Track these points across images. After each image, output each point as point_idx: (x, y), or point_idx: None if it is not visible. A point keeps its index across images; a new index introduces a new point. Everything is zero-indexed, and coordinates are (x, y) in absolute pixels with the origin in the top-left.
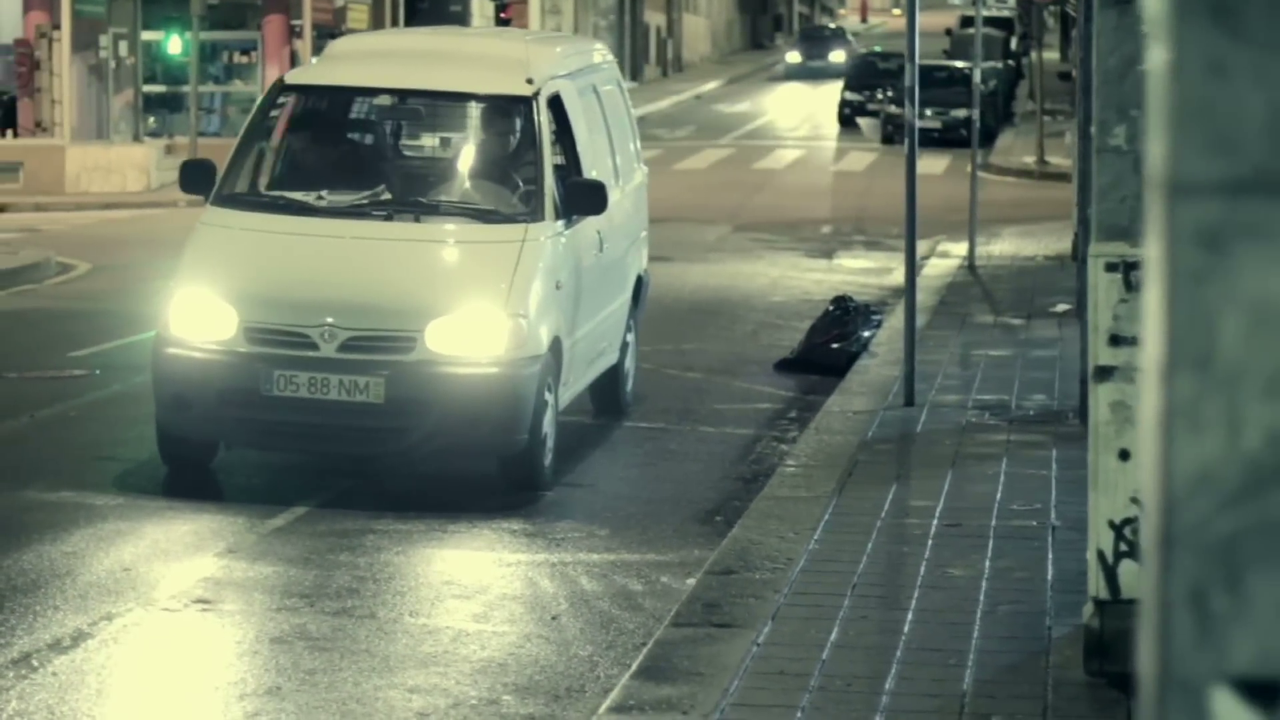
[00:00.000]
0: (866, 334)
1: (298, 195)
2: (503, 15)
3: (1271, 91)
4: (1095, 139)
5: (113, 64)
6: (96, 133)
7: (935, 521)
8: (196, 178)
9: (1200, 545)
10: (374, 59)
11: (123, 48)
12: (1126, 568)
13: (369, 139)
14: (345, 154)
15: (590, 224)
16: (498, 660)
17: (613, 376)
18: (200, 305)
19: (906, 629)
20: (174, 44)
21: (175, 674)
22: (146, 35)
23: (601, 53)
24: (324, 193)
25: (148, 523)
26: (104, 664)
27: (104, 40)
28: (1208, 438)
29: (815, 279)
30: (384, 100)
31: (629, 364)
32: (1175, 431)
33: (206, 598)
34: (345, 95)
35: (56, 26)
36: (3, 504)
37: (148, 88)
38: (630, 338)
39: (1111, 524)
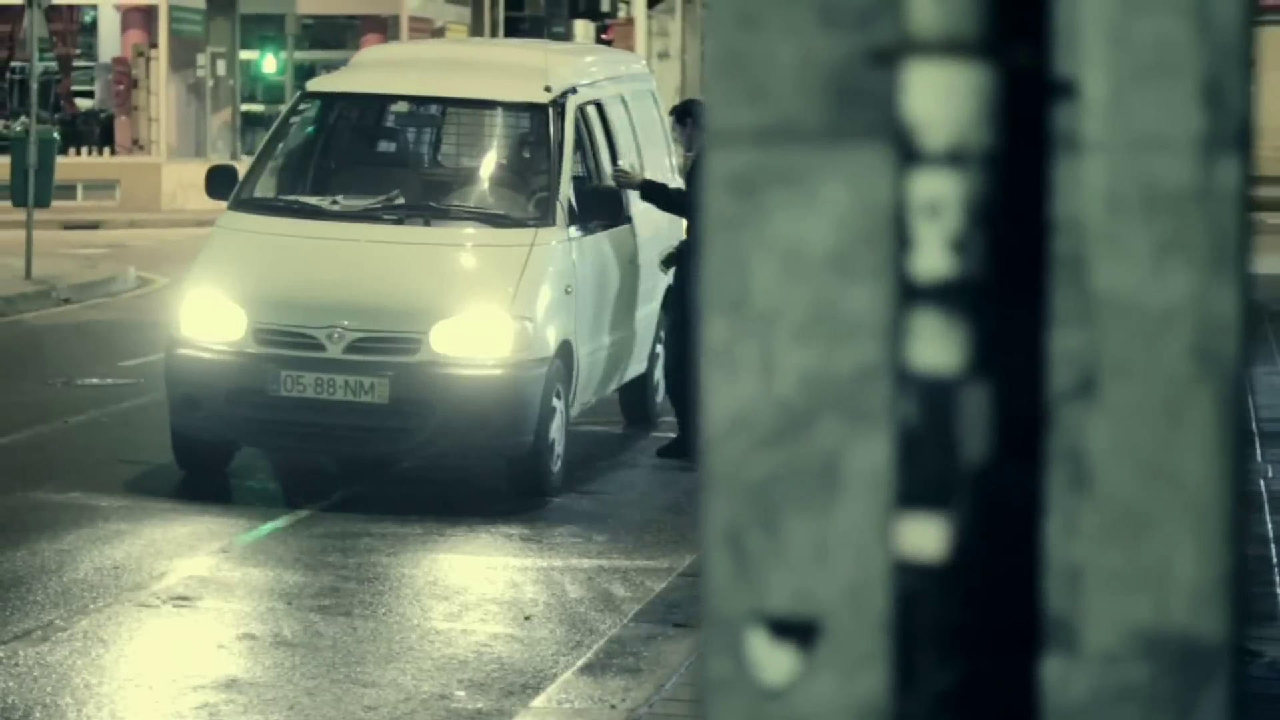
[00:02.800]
0: None
1: (312, 199)
2: (604, 37)
3: (801, 42)
4: None
5: (210, 83)
6: (194, 151)
7: None
8: (222, 183)
9: (736, 487)
10: (397, 67)
11: (220, 66)
12: None
13: (387, 145)
14: (363, 159)
15: (620, 233)
16: (459, 657)
17: (641, 387)
18: (210, 306)
19: None
20: (269, 63)
21: (137, 667)
22: (244, 55)
23: (637, 65)
24: (338, 197)
25: (148, 523)
26: (67, 657)
27: (201, 59)
28: (742, 381)
29: None
30: (402, 107)
31: (658, 374)
32: (713, 375)
33: (186, 595)
34: (365, 102)
35: (154, 45)
36: (11, 503)
37: (246, 106)
38: (660, 348)
39: None
